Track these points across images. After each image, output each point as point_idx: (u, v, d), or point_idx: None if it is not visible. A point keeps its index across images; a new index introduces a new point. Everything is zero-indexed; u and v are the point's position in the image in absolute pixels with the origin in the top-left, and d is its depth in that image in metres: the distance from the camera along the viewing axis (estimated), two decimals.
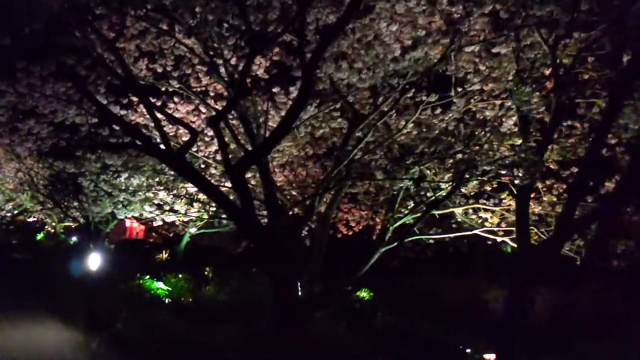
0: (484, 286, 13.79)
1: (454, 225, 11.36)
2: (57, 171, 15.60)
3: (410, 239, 9.76)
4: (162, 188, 10.41)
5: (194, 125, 11.58)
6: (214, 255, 22.64)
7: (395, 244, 9.40)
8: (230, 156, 11.75)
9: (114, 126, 10.00)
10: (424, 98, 8.98)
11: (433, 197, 9.00)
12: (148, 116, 11.38)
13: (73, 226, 32.05)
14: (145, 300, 10.59)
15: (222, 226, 17.01)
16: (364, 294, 16.01)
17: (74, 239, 30.17)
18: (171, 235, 26.27)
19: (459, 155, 8.74)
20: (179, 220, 11.61)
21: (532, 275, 7.58)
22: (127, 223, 35.12)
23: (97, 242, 23.98)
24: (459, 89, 9.19)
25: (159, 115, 8.96)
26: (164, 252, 24.37)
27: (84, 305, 10.31)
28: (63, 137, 8.21)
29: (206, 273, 18.65)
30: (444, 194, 8.95)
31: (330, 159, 13.47)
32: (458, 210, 10.63)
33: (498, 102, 9.58)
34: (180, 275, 12.20)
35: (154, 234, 28.72)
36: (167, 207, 10.64)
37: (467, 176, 7.84)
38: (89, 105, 8.05)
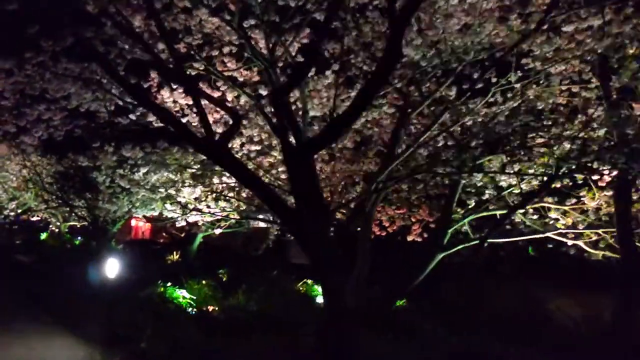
0: (532, 291, 12.58)
1: (507, 227, 10.22)
2: (65, 167, 14.40)
3: (469, 244, 8.56)
4: (186, 184, 9.24)
5: (218, 116, 10.43)
6: (229, 256, 21.49)
7: (457, 248, 8.26)
8: (259, 148, 10.63)
9: (134, 113, 8.91)
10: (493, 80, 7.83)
11: (505, 195, 7.84)
12: (169, 103, 10.31)
13: (78, 225, 31.02)
14: (169, 312, 9.42)
15: (240, 226, 15.89)
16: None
17: (80, 238, 29.04)
18: (182, 235, 25.16)
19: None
20: (202, 220, 10.43)
21: None
22: (133, 222, 34.09)
23: (104, 242, 22.92)
24: (519, 73, 8.08)
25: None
26: (174, 253, 23.27)
27: (99, 316, 9.16)
28: (79, 125, 7.04)
29: (220, 275, 17.58)
30: (517, 190, 7.80)
31: (359, 154, 12.32)
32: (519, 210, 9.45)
33: (563, 87, 8.46)
34: (203, 282, 11.02)
35: (164, 233, 27.58)
36: (191, 206, 9.48)
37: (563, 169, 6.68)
38: (109, 87, 6.88)
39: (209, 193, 9.29)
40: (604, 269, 9.85)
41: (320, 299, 15.92)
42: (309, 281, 17.07)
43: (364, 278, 9.03)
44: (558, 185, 8.79)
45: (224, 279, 16.34)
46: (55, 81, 7.00)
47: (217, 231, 10.38)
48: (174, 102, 10.18)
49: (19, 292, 12.98)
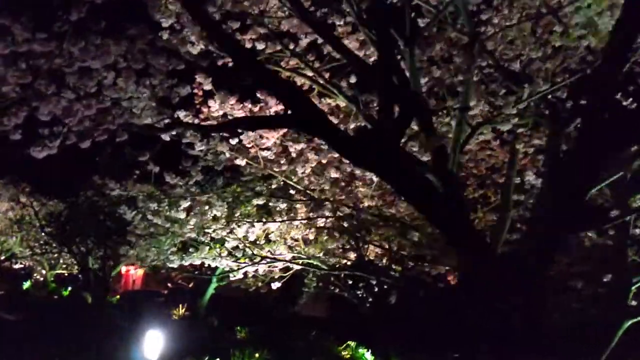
0: None
1: None
2: (67, 205, 11.61)
3: None
4: (246, 222, 6.57)
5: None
6: (246, 310, 18.64)
7: None
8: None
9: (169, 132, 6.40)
10: None
11: None
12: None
13: (66, 274, 27.92)
14: None
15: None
16: None
17: (70, 289, 25.77)
18: (190, 285, 22.25)
19: None
20: (253, 271, 7.74)
21: None
22: (123, 270, 31.10)
23: (98, 293, 20.00)
24: None
25: None
26: (180, 306, 20.32)
27: None
28: (124, 125, 4.44)
29: (243, 335, 15.09)
30: None
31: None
32: None
33: None
34: (257, 355, 8.22)
35: (169, 284, 24.51)
36: (249, 251, 6.77)
37: None
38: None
39: (282, 233, 6.65)
40: None
41: None
42: (352, 343, 14.48)
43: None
44: None
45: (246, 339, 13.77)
46: (88, 58, 4.48)
47: (275, 285, 7.77)
48: (224, 115, 7.68)
49: None
